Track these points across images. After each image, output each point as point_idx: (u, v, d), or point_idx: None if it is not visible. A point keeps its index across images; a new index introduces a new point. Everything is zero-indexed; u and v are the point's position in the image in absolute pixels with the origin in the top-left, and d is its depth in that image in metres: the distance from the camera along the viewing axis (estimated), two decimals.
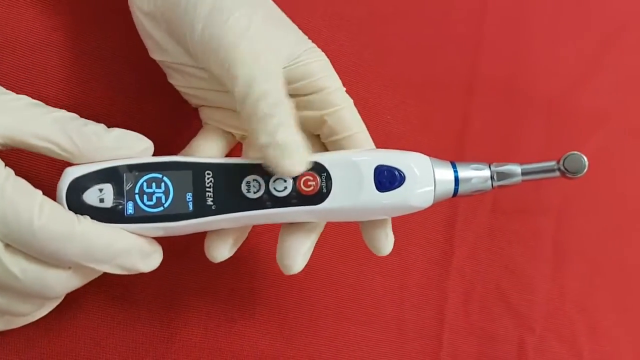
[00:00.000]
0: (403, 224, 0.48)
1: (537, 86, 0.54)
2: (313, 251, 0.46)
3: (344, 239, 0.47)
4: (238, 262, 0.44)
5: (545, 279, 0.50)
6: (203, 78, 0.38)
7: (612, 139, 0.54)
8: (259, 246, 0.44)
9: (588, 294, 0.51)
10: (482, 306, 0.49)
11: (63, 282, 0.32)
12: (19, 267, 0.31)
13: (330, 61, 0.38)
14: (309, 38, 0.38)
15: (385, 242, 0.37)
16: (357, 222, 0.38)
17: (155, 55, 0.39)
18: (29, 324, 0.36)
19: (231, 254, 0.37)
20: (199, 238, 0.42)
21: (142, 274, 0.41)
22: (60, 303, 0.37)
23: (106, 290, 0.42)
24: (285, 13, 0.38)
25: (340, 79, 0.38)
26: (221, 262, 0.44)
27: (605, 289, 0.51)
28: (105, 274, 0.34)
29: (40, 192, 0.31)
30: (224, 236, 0.36)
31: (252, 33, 0.34)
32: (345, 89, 0.38)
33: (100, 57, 0.44)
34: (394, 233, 0.45)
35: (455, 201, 0.50)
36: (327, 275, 0.46)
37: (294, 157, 0.33)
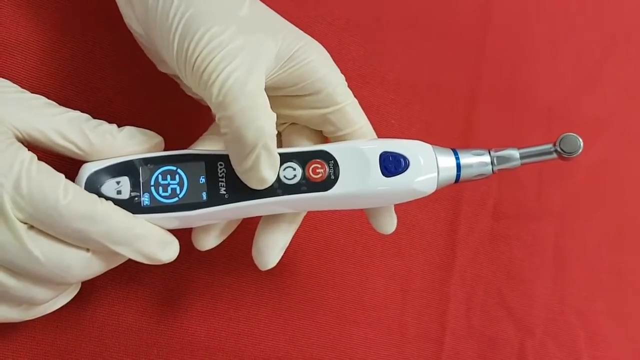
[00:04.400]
0: (406, 228, 0.49)
1: (538, 94, 0.54)
2: (318, 254, 0.47)
3: (347, 242, 0.47)
4: (242, 263, 0.44)
5: (546, 284, 0.51)
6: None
7: (612, 147, 0.55)
8: None
9: (588, 299, 0.51)
10: (483, 310, 0.49)
11: (83, 265, 0.32)
12: (41, 249, 0.31)
13: (337, 65, 0.38)
14: None
15: (391, 224, 0.39)
16: (363, 215, 0.39)
17: (161, 68, 0.40)
18: (33, 320, 0.36)
19: (216, 244, 0.38)
20: None
21: (147, 272, 0.42)
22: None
23: (111, 289, 0.42)
24: (292, 17, 0.38)
25: (346, 83, 0.38)
26: (225, 263, 0.44)
27: (605, 294, 0.52)
28: (115, 270, 0.34)
29: (63, 175, 0.32)
30: (208, 228, 0.37)
31: (225, 53, 0.33)
32: (346, 83, 0.38)
33: (108, 57, 0.44)
34: (397, 237, 0.46)
35: (457, 206, 0.50)
36: (331, 277, 0.47)
37: (265, 183, 0.34)
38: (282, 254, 0.38)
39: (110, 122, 0.35)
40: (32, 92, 0.34)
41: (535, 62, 0.55)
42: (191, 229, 0.37)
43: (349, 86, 0.38)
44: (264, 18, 0.37)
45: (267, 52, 0.35)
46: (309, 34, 0.38)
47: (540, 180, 0.52)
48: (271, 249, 0.37)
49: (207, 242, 0.37)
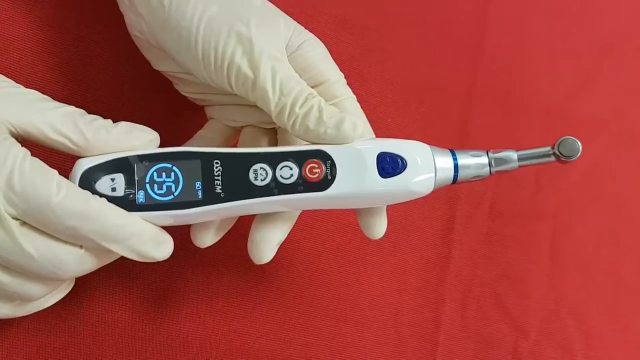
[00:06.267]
0: (402, 226, 0.49)
1: (535, 94, 0.54)
2: (313, 253, 0.46)
3: (342, 241, 0.47)
4: (238, 261, 0.44)
5: (541, 284, 0.51)
6: (200, 84, 0.38)
7: (609, 147, 0.55)
8: None
9: (583, 299, 0.51)
10: (478, 310, 0.49)
11: (76, 262, 0.32)
12: (33, 245, 0.31)
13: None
14: None
15: (381, 228, 0.38)
16: (356, 219, 0.39)
17: (158, 67, 0.40)
18: (28, 317, 0.36)
19: (215, 241, 0.38)
20: None
21: (142, 269, 0.42)
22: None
23: (106, 286, 0.42)
24: (290, 15, 0.39)
25: (345, 81, 0.39)
26: (221, 261, 0.44)
27: (601, 295, 0.52)
28: (110, 266, 0.34)
29: (56, 172, 0.31)
30: (207, 225, 0.37)
31: (253, 41, 0.35)
32: (346, 80, 0.39)
33: (104, 54, 0.44)
34: (393, 236, 0.46)
35: (453, 205, 0.50)
36: (326, 276, 0.47)
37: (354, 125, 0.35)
38: (276, 250, 0.38)
39: (105, 118, 0.34)
40: (27, 88, 0.34)
41: (533, 63, 0.55)
42: (188, 226, 0.37)
43: (347, 83, 0.38)
44: (275, 9, 0.38)
45: (282, 37, 0.36)
46: None
47: (537, 180, 0.52)
48: (267, 243, 0.37)
49: (207, 239, 0.37)
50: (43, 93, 0.34)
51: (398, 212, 0.48)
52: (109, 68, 0.44)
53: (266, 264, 0.45)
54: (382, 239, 0.47)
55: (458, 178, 0.37)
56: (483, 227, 0.51)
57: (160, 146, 0.35)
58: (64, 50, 0.43)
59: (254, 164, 0.34)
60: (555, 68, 0.55)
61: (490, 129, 0.53)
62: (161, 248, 0.34)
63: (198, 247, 0.37)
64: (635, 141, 0.56)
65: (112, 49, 0.44)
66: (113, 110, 0.43)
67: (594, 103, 0.55)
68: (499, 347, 0.49)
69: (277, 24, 0.37)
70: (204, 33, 0.35)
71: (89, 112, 0.34)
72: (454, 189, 0.50)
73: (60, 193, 0.31)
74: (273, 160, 0.35)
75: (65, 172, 0.33)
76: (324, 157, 0.35)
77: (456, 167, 0.36)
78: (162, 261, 0.35)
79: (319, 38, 0.39)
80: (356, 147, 0.35)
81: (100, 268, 0.34)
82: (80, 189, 0.32)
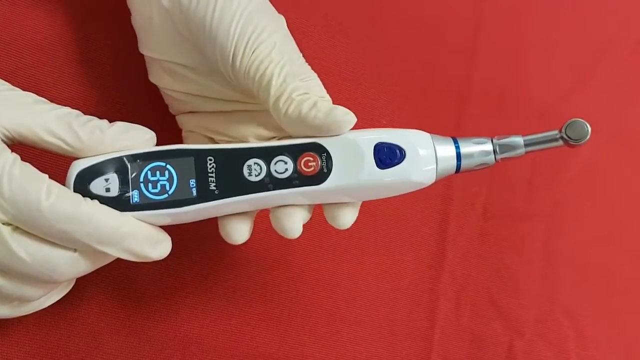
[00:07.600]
0: (396, 226, 0.49)
1: (529, 96, 0.54)
2: (308, 252, 0.47)
3: (338, 240, 0.48)
4: (235, 260, 0.45)
5: (535, 283, 0.51)
6: (194, 81, 0.38)
7: (602, 148, 0.55)
8: (256, 244, 0.45)
9: (577, 299, 0.51)
10: (472, 309, 0.49)
11: (70, 265, 0.32)
12: (25, 250, 0.31)
13: (329, 67, 0.39)
14: (309, 44, 0.39)
15: (352, 218, 0.37)
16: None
17: (146, 49, 0.39)
18: (27, 316, 0.36)
19: (249, 236, 0.37)
20: (199, 234, 0.43)
21: (140, 268, 0.43)
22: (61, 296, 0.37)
23: (105, 285, 0.43)
24: (286, 19, 0.39)
25: (338, 84, 0.39)
26: (218, 260, 0.45)
27: (594, 294, 0.52)
28: (109, 265, 0.34)
29: (46, 176, 0.31)
30: (242, 217, 0.36)
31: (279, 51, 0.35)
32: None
33: (104, 54, 0.44)
34: (388, 236, 0.46)
35: (447, 205, 0.51)
36: (322, 275, 0.47)
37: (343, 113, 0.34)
38: (302, 223, 0.36)
39: (106, 119, 0.34)
40: (26, 90, 0.34)
41: (527, 65, 0.55)
42: (185, 225, 0.37)
43: (341, 86, 0.39)
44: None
45: (296, 60, 0.36)
46: (302, 35, 0.39)
47: (531, 180, 0.53)
48: (290, 215, 0.35)
49: (243, 234, 0.36)
50: (42, 95, 0.34)
51: (392, 211, 0.48)
52: (109, 68, 0.44)
53: (262, 263, 0.46)
54: (377, 239, 0.48)
55: (461, 167, 0.35)
56: (477, 227, 0.51)
57: (159, 145, 0.35)
58: (64, 51, 0.43)
59: (247, 160, 0.34)
60: (549, 70, 0.55)
61: (485, 131, 0.52)
62: (157, 247, 0.34)
63: (232, 244, 0.36)
64: (629, 142, 0.56)
65: (113, 49, 0.44)
66: (114, 110, 0.44)
67: (588, 104, 0.55)
68: (493, 346, 0.49)
69: (295, 49, 0.37)
70: (243, 23, 0.34)
71: (90, 113, 0.34)
72: (447, 189, 0.51)
73: (50, 198, 0.31)
74: (267, 154, 0.34)
75: (63, 174, 0.33)
76: (320, 150, 0.34)
77: (459, 155, 0.35)
78: (160, 260, 0.35)
79: (315, 41, 0.40)
80: (352, 138, 0.34)
81: (97, 268, 0.34)
82: (71, 192, 0.32)
